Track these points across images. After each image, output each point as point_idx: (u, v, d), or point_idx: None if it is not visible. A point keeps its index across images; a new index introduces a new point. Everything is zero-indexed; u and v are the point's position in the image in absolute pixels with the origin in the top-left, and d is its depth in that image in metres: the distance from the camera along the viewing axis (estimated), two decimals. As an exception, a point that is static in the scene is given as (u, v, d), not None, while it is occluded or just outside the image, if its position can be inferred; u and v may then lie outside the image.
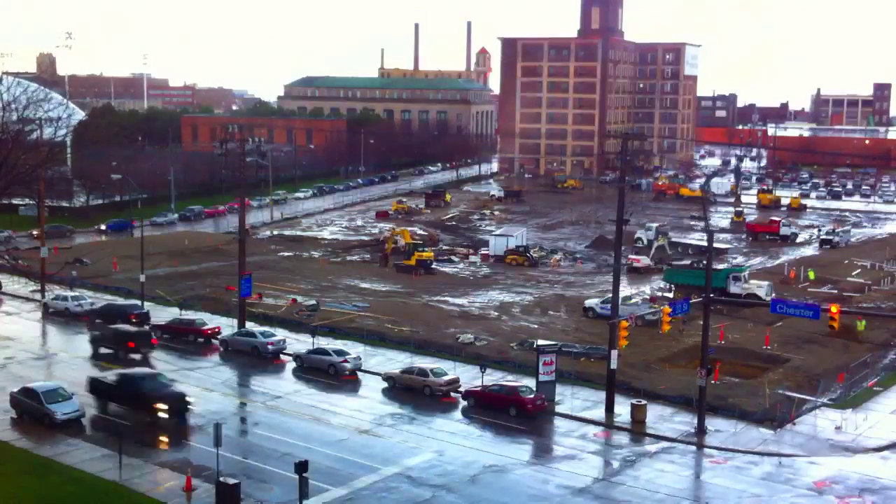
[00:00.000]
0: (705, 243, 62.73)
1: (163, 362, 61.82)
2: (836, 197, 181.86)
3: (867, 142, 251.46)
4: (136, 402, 49.72)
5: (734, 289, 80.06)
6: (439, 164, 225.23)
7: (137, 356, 61.89)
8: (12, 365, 60.16)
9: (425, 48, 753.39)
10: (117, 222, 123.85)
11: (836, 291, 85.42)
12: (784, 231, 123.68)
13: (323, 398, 54.99)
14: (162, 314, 72.32)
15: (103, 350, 63.03)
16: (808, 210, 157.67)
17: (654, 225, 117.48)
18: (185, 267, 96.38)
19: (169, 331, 68.02)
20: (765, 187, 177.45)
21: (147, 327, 67.87)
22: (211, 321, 70.39)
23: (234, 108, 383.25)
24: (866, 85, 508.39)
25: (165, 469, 43.06)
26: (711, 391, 52.69)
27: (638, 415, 51.13)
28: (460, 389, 55.30)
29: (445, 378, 55.99)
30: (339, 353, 60.48)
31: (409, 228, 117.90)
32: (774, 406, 52.55)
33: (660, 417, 51.81)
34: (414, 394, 55.61)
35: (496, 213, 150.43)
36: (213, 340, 66.90)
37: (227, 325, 69.77)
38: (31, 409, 48.82)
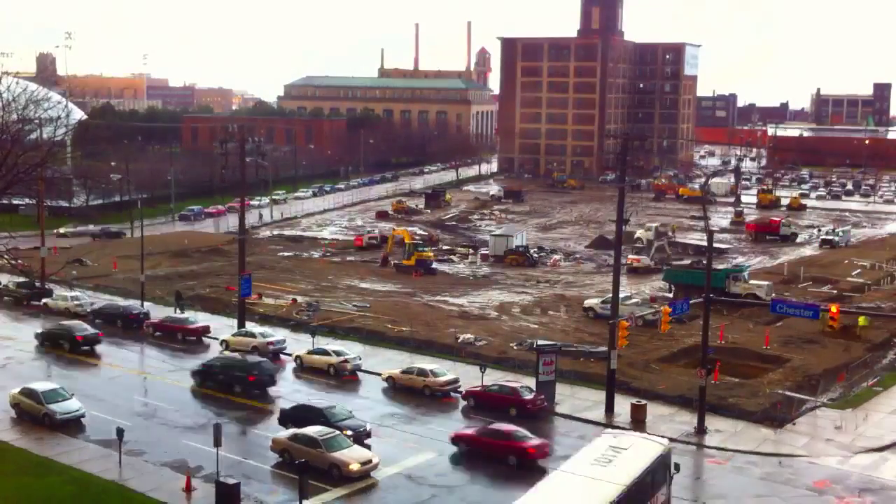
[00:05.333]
0: (705, 243, 62.71)
1: (160, 361, 61.91)
2: (836, 197, 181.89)
3: (867, 142, 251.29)
4: None
5: (734, 289, 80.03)
6: (438, 164, 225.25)
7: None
8: (12, 365, 60.23)
9: (425, 48, 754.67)
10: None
11: (835, 292, 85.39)
12: (784, 231, 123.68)
13: (323, 398, 54.90)
14: (162, 315, 72.18)
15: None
16: (808, 210, 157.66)
17: (654, 225, 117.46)
18: (185, 267, 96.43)
19: (161, 329, 68.23)
20: (765, 187, 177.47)
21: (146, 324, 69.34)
22: (207, 321, 70.43)
23: (234, 108, 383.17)
24: (866, 85, 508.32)
25: (165, 469, 43.06)
26: (711, 391, 52.69)
27: (638, 415, 51.10)
28: (460, 389, 55.28)
29: (445, 378, 55.97)
30: (339, 353, 60.48)
31: (409, 228, 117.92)
32: (774, 406, 52.55)
33: (660, 417, 51.78)
34: (414, 394, 55.60)
35: (496, 213, 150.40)
36: (204, 338, 67.11)
37: (227, 326, 69.82)
38: (31, 409, 48.84)
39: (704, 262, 61.03)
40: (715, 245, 70.21)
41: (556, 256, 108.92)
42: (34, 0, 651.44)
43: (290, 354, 62.83)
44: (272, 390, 55.50)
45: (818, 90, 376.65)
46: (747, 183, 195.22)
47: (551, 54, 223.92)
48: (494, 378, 55.88)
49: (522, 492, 42.03)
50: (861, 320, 68.64)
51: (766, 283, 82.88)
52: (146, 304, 75.70)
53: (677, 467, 38.82)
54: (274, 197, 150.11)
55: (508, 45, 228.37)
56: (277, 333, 65.96)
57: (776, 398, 54.00)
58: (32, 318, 74.04)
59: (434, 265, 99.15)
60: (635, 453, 36.63)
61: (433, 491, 41.76)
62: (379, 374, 58.54)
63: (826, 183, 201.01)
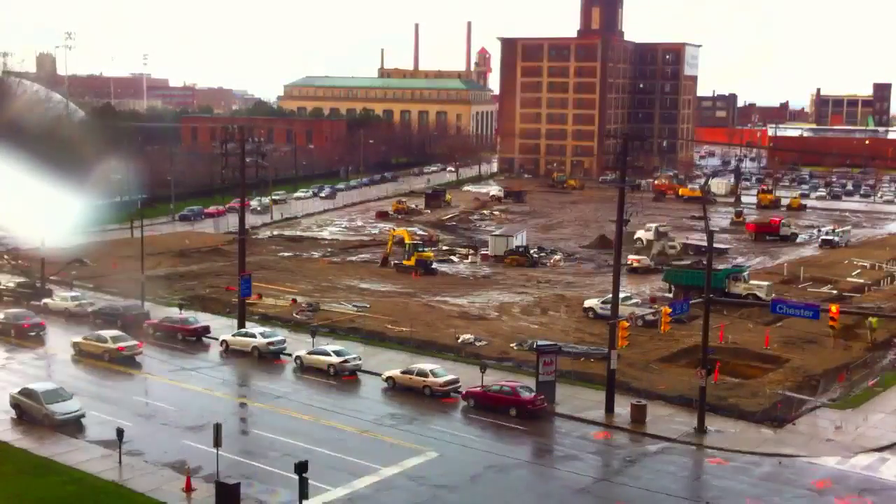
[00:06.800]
0: (705, 243, 62.74)
1: (160, 362, 61.91)
2: (836, 197, 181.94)
3: (867, 142, 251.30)
4: None
5: (734, 289, 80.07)
6: (438, 164, 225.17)
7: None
8: (12, 365, 60.25)
9: (425, 48, 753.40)
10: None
11: (835, 292, 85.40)
12: (784, 231, 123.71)
13: (323, 399, 54.98)
14: (161, 315, 72.12)
15: None
16: (808, 210, 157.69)
17: (654, 225, 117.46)
18: (185, 267, 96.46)
19: (161, 329, 68.22)
20: (765, 187, 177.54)
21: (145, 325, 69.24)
22: (207, 321, 70.46)
23: (234, 108, 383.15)
24: (866, 85, 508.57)
25: (165, 469, 43.08)
26: (711, 391, 52.69)
27: (638, 415, 51.12)
28: (460, 389, 55.27)
29: (445, 378, 55.96)
30: (339, 353, 60.48)
31: (409, 228, 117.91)
32: (774, 406, 52.57)
33: (660, 417, 51.78)
34: (414, 394, 55.59)
35: (496, 213, 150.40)
36: (204, 339, 67.25)
37: (227, 326, 69.82)
38: (31, 409, 48.85)
39: (704, 262, 61.01)
40: (715, 245, 70.23)
41: (557, 257, 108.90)
42: (34, 0, 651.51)
43: (290, 354, 62.82)
44: None
45: (818, 90, 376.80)
46: (747, 183, 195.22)
47: (551, 54, 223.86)
48: (494, 378, 55.86)
49: (521, 493, 42.14)
50: (874, 323, 68.51)
51: (766, 283, 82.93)
52: (146, 304, 75.64)
53: None
54: (274, 197, 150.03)
55: (508, 45, 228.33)
56: (277, 333, 65.92)
57: (776, 398, 54.02)
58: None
59: (434, 265, 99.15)
60: None
61: (433, 491, 41.77)
62: (379, 375, 58.54)
63: (826, 183, 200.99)
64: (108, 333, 63.17)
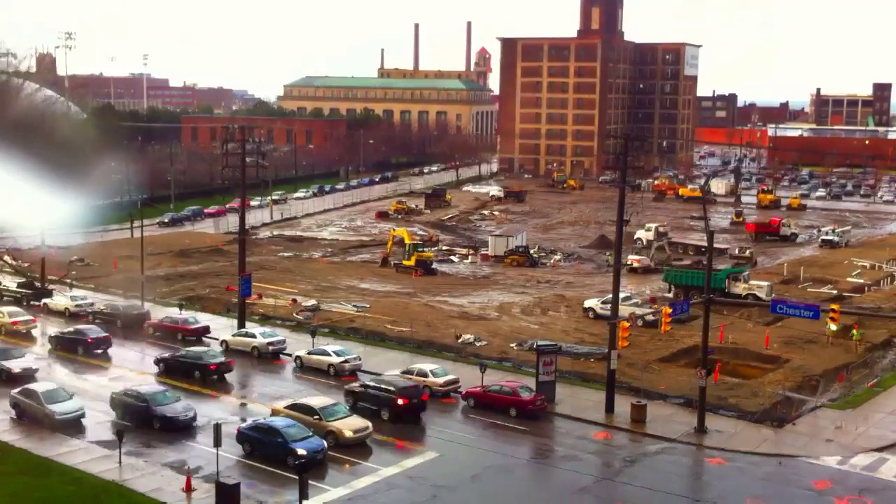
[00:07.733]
0: (705, 243, 62.76)
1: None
2: (836, 197, 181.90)
3: (867, 142, 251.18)
4: None
5: (734, 289, 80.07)
6: (438, 164, 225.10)
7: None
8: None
9: (425, 48, 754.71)
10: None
11: (835, 292, 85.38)
12: (784, 231, 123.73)
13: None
14: (162, 315, 72.09)
15: None
16: (808, 210, 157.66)
17: (654, 225, 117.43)
18: (185, 267, 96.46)
19: (161, 329, 68.18)
20: (765, 187, 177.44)
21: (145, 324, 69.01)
22: (207, 321, 70.43)
23: (234, 108, 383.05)
24: (866, 85, 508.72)
25: (165, 469, 43.08)
26: (711, 391, 52.71)
27: (638, 415, 51.12)
28: (460, 389, 55.28)
29: (445, 378, 55.96)
30: (339, 353, 60.47)
31: (409, 228, 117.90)
32: (774, 406, 52.59)
33: (660, 417, 51.78)
34: (414, 394, 55.53)
35: (496, 213, 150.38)
36: (204, 339, 67.20)
37: (227, 326, 69.81)
38: (31, 409, 48.85)
39: (704, 262, 61.02)
40: (715, 245, 70.21)
41: (557, 257, 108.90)
42: (34, 0, 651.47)
43: (290, 354, 62.81)
44: None
45: (818, 90, 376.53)
46: (747, 183, 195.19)
47: (551, 54, 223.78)
48: (494, 378, 55.86)
49: (521, 493, 42.07)
50: (855, 334, 68.29)
51: (766, 283, 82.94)
52: (146, 304, 75.64)
53: None
54: (274, 197, 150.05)
55: (508, 45, 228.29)
56: (277, 333, 65.90)
57: (776, 398, 54.05)
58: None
59: (434, 265, 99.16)
60: None
61: (433, 491, 41.77)
62: (379, 375, 58.43)
63: (826, 183, 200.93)
64: (6, 309, 69.61)
